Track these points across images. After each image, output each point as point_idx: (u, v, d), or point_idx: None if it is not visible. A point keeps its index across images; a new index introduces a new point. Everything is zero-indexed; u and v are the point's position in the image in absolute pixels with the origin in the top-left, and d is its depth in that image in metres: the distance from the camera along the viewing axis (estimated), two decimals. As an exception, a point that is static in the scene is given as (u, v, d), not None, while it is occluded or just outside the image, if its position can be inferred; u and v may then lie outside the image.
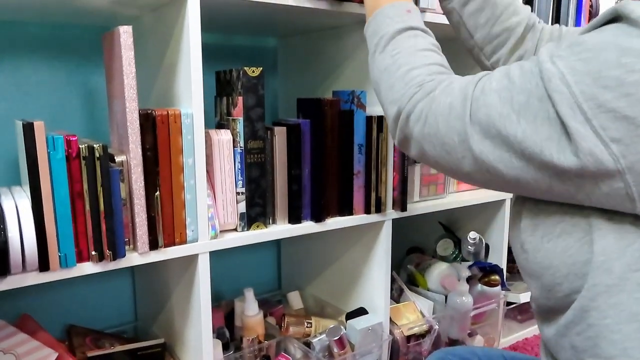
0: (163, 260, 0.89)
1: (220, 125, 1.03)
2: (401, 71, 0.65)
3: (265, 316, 1.22)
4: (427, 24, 1.14)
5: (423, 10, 1.10)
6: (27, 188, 0.78)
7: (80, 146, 0.78)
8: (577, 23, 1.45)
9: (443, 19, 1.14)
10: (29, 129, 0.74)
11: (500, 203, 1.40)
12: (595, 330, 0.51)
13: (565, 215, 0.53)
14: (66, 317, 1.20)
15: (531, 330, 1.59)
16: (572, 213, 0.52)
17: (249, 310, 1.15)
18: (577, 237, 0.52)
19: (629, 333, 0.49)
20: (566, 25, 1.40)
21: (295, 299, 1.36)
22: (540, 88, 0.49)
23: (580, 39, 0.48)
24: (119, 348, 1.02)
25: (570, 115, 0.47)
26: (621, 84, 0.45)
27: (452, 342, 1.34)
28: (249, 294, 1.15)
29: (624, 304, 0.49)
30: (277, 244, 1.52)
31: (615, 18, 0.49)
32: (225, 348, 1.11)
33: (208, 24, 1.13)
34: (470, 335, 1.39)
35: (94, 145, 0.79)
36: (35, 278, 0.78)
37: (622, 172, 0.46)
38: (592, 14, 1.50)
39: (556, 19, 1.39)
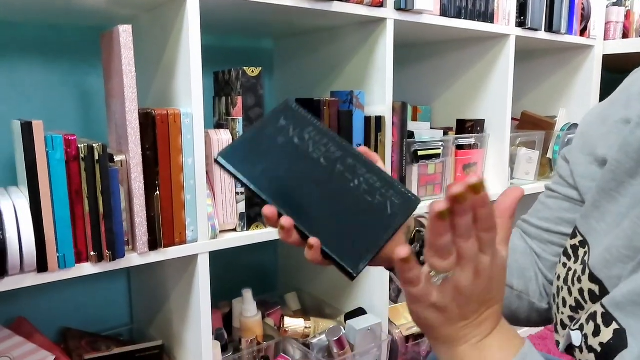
0: (161, 261, 0.88)
1: (218, 125, 1.03)
2: None
3: (263, 317, 1.21)
4: (422, 25, 1.14)
5: (419, 12, 1.10)
6: (24, 188, 0.77)
7: (79, 145, 0.77)
8: (570, 25, 1.46)
9: (440, 21, 1.15)
10: (27, 129, 0.73)
11: (496, 203, 1.41)
12: None
13: None
14: (61, 320, 1.19)
15: (527, 330, 1.59)
16: None
17: (248, 311, 1.15)
18: None
19: None
20: (559, 29, 1.42)
21: (292, 300, 1.36)
22: None
23: None
24: (117, 350, 1.01)
25: None
26: None
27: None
28: (248, 295, 1.15)
29: None
30: (275, 245, 1.51)
31: None
32: (224, 349, 1.10)
33: (204, 25, 1.13)
34: (468, 335, 1.39)
35: (94, 145, 0.78)
36: (33, 279, 0.77)
37: None
38: (584, 16, 1.52)
39: (550, 22, 1.40)
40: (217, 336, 1.11)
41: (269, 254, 1.51)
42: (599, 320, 0.44)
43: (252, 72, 0.95)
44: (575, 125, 1.55)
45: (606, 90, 1.66)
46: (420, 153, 1.21)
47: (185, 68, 0.88)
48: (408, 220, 0.54)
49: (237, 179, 0.49)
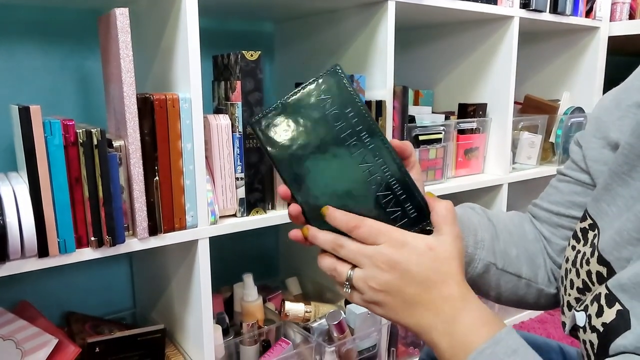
0: (162, 246, 0.89)
1: (218, 110, 1.03)
2: None
3: (264, 302, 1.22)
4: (425, 7, 1.12)
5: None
6: (24, 174, 0.77)
7: (77, 131, 0.77)
8: (575, 6, 1.44)
9: (442, 2, 1.13)
10: (25, 113, 0.73)
11: (498, 187, 1.41)
12: None
13: None
14: (64, 304, 1.20)
15: (527, 313, 1.60)
16: None
17: (249, 295, 1.15)
18: None
19: None
20: (564, 10, 1.40)
21: (293, 285, 1.36)
22: None
23: None
24: (119, 334, 1.02)
25: None
26: None
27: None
28: (248, 280, 1.15)
29: None
30: (276, 230, 1.52)
31: None
32: (225, 333, 1.11)
33: (203, 8, 1.11)
34: (468, 319, 1.39)
35: (92, 130, 0.78)
36: (34, 264, 0.77)
37: None
38: (590, -2, 1.50)
39: (554, 3, 1.38)
40: (218, 320, 1.12)
41: (270, 239, 1.52)
42: (603, 301, 0.45)
43: (251, 55, 0.94)
44: (579, 109, 1.54)
45: (611, 73, 1.64)
46: (421, 138, 1.21)
47: (184, 52, 0.88)
48: None
49: (263, 149, 0.50)
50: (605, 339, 0.43)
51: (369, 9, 1.09)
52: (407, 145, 0.53)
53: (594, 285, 0.49)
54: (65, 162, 0.77)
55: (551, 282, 0.63)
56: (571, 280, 0.53)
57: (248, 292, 1.15)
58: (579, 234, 0.54)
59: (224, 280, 1.32)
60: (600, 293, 0.46)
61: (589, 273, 0.50)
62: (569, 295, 0.53)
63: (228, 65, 0.98)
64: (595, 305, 0.45)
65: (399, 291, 0.46)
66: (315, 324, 1.13)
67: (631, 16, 1.58)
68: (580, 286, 0.51)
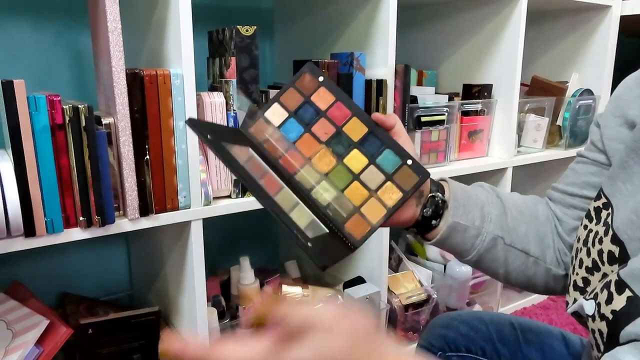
0: (155, 227, 0.86)
1: (213, 88, 1.00)
2: None
3: (262, 285, 1.20)
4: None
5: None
6: (10, 151, 0.75)
7: (63, 107, 0.74)
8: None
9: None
10: (8, 88, 0.70)
11: (502, 171, 1.37)
12: None
13: None
14: (61, 285, 1.19)
15: (530, 299, 1.58)
16: None
17: (245, 278, 1.13)
18: None
19: None
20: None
21: (292, 268, 1.35)
22: None
23: None
24: (113, 315, 1.00)
25: None
26: None
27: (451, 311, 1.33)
28: (245, 263, 1.13)
29: None
30: (274, 213, 1.49)
31: None
32: (221, 316, 1.09)
33: (200, -19, 1.08)
34: (469, 304, 1.38)
35: (79, 106, 0.75)
36: (21, 244, 0.75)
37: None
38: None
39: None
40: (214, 303, 1.10)
41: (271, 221, 1.49)
42: (612, 288, 0.43)
43: (247, 31, 0.90)
44: (588, 91, 1.49)
45: (623, 55, 1.58)
46: (423, 119, 1.17)
47: (176, 27, 0.84)
48: (423, 186, 0.57)
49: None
50: (614, 327, 0.42)
51: (370, -17, 1.05)
52: (388, 117, 0.56)
53: (603, 265, 0.48)
54: (51, 140, 0.74)
55: (559, 263, 0.63)
56: (580, 260, 0.52)
57: (244, 275, 1.13)
58: (592, 213, 0.53)
59: (227, 262, 1.30)
60: (610, 280, 0.44)
61: (600, 252, 0.49)
62: (577, 274, 0.52)
63: (223, 41, 0.94)
64: (605, 292, 0.44)
65: None
66: (312, 308, 1.11)
67: (645, -6, 1.52)
68: (590, 265, 0.50)
